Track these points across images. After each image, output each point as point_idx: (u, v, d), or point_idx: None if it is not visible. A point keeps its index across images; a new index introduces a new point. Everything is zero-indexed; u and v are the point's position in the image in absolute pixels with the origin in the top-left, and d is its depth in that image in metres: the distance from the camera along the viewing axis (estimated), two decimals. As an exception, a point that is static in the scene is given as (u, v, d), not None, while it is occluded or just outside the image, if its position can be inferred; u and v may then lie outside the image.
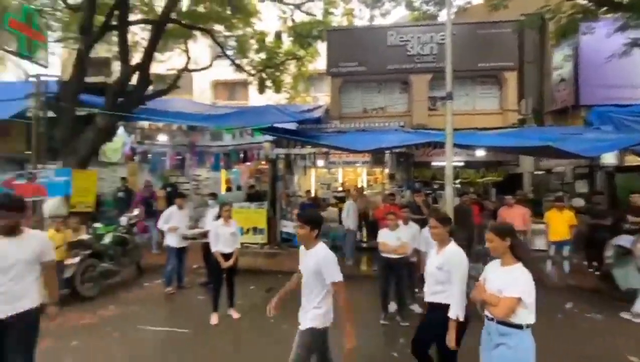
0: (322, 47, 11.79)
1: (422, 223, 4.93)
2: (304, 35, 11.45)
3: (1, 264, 2.40)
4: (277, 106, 9.86)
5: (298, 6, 11.21)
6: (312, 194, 9.22)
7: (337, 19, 12.15)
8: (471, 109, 10.68)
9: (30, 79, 6.85)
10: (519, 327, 2.17)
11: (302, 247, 2.63)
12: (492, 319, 2.28)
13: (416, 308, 4.92)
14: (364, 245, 8.63)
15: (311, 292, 2.50)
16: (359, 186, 10.04)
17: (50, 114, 6.64)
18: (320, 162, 9.84)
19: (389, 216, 4.65)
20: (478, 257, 6.03)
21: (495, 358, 2.24)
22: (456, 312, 2.50)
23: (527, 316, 2.17)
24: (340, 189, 10.40)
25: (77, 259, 5.24)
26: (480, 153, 9.20)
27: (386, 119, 9.86)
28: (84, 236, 5.76)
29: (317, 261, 2.44)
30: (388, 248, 4.53)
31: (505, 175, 9.99)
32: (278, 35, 12.82)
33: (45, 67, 6.75)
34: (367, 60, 10.54)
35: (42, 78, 6.55)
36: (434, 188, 9.92)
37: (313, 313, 2.48)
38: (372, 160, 9.60)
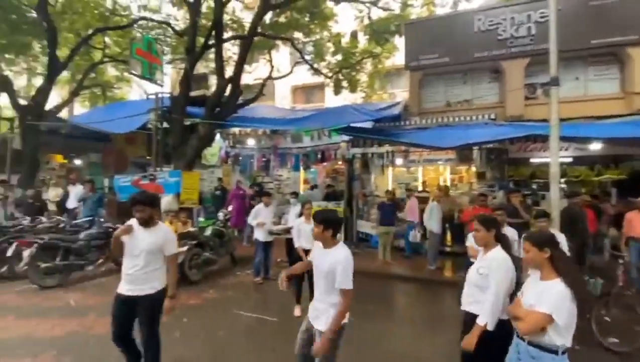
0: (400, 41, 11.43)
1: (522, 228, 4.37)
2: (380, 32, 11.26)
3: (134, 250, 2.83)
4: (354, 106, 9.90)
5: (374, 3, 11.08)
6: (393, 195, 8.93)
7: (417, 11, 11.60)
8: (581, 95, 9.06)
9: (150, 96, 8.27)
10: (553, 351, 1.89)
11: (317, 242, 2.62)
12: (522, 338, 2.03)
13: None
14: (448, 249, 8.09)
15: (326, 292, 2.47)
16: (442, 185, 9.42)
17: (165, 125, 7.89)
18: (398, 161, 9.55)
19: (479, 219, 4.26)
20: (593, 270, 5.11)
21: None
22: (485, 319, 2.28)
23: (560, 338, 1.88)
24: (420, 189, 9.93)
25: (185, 248, 6.08)
26: (595, 146, 7.73)
27: (473, 112, 9.02)
28: (191, 228, 6.69)
29: (334, 262, 2.40)
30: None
31: (630, 172, 8.21)
32: (354, 35, 12.87)
33: (161, 86, 8.07)
34: (450, 50, 9.80)
35: (159, 95, 7.83)
36: (533, 188, 8.72)
37: (332, 312, 2.44)
38: (457, 158, 8.92)
